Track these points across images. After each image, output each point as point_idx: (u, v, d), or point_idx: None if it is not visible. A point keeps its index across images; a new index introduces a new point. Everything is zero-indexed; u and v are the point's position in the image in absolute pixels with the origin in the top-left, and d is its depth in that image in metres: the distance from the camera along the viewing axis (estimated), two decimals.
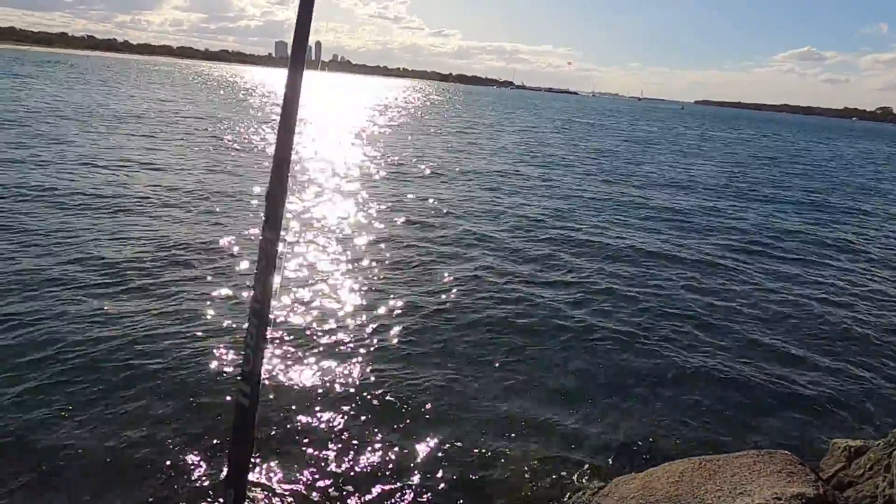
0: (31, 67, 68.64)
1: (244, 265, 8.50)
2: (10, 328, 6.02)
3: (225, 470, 3.80)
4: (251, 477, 3.91)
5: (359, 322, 6.94)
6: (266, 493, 4.12)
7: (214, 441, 4.62)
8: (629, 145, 36.15)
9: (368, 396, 5.45)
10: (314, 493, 4.22)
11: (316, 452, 4.63)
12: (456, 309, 7.64)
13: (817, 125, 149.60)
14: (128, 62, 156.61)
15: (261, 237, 1.29)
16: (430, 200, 14.12)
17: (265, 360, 1.20)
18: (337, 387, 5.54)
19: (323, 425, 4.98)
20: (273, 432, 4.72)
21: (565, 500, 4.39)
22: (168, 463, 4.37)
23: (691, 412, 5.77)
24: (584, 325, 7.50)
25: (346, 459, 4.59)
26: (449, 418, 5.27)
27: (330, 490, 4.27)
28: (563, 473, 4.67)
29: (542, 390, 5.91)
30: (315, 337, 6.48)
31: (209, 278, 7.95)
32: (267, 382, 5.39)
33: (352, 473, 4.47)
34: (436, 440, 4.94)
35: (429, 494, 4.35)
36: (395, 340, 6.62)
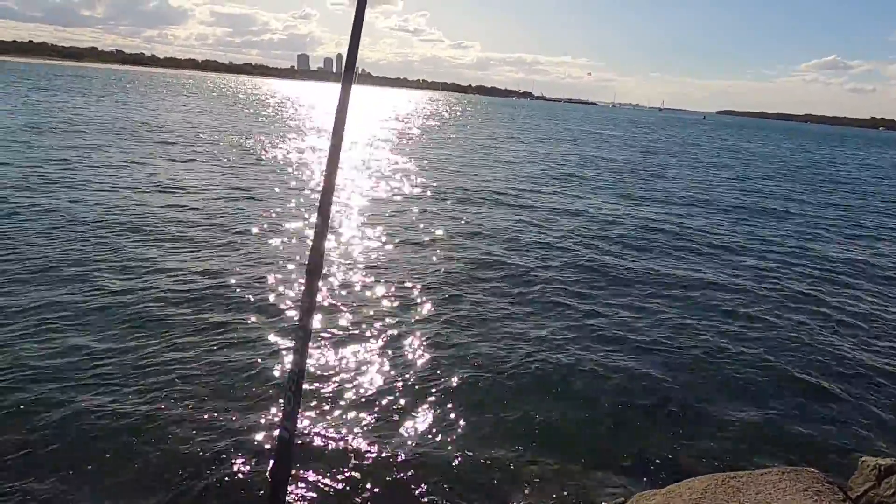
0: (62, 81, 70.72)
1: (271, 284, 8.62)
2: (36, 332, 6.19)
3: (263, 491, 4.16)
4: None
5: (376, 331, 6.99)
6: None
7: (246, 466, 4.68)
8: (651, 157, 35.88)
9: (387, 402, 5.47)
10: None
11: (346, 462, 4.66)
12: (475, 317, 7.64)
13: (843, 135, 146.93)
14: (154, 75, 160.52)
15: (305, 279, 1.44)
16: (445, 218, 14.16)
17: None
18: (364, 391, 5.58)
19: (354, 431, 5.01)
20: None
21: None
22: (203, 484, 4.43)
23: (714, 427, 5.67)
24: (607, 338, 7.43)
25: (362, 467, 4.61)
26: (467, 427, 5.26)
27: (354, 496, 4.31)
28: (585, 488, 4.62)
29: (565, 401, 5.86)
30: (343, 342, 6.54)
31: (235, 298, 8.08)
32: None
33: (367, 484, 4.48)
34: (452, 448, 4.93)
35: None
36: (415, 351, 6.64)
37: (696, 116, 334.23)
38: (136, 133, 24.75)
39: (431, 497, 4.40)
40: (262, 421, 5.08)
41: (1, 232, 9.48)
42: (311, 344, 1.59)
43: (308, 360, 1.68)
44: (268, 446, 4.74)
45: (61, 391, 5.25)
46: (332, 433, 5.02)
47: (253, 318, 7.12)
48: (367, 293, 8.22)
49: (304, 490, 4.35)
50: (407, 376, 6.06)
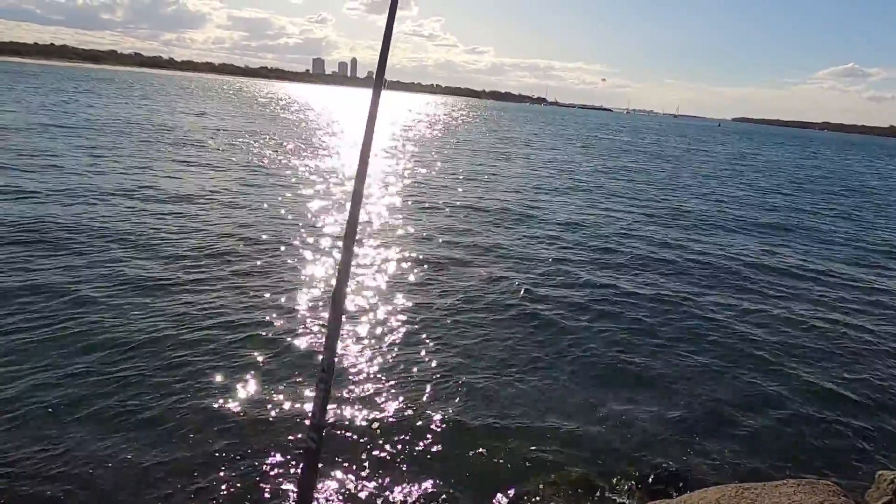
0: (82, 83, 71.84)
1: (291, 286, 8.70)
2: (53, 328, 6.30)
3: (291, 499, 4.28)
4: None
5: (389, 329, 7.02)
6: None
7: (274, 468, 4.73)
8: (664, 164, 35.68)
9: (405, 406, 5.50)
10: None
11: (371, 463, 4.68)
12: (492, 322, 7.65)
13: (863, 143, 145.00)
14: (172, 78, 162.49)
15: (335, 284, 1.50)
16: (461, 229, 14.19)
17: None
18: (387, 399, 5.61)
19: (379, 433, 5.04)
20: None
21: None
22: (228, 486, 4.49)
23: (728, 437, 5.63)
24: (622, 346, 7.41)
25: (389, 473, 4.63)
26: (483, 429, 5.27)
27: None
28: (598, 496, 4.61)
29: (580, 409, 5.85)
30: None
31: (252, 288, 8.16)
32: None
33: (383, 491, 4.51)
34: (467, 450, 4.94)
35: None
36: (433, 357, 6.66)
37: (711, 123, 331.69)
38: (148, 133, 25.09)
39: (435, 496, 4.41)
40: (288, 430, 5.11)
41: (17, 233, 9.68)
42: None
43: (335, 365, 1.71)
44: (295, 454, 4.79)
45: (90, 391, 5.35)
46: (359, 439, 5.04)
47: (278, 321, 7.18)
48: (386, 300, 8.27)
49: (332, 499, 4.38)
50: (429, 382, 6.08)
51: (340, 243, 8.35)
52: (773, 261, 12.42)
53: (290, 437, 4.98)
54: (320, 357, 1.53)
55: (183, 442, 4.84)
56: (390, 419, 5.37)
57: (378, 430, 5.17)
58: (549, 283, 9.63)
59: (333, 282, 1.46)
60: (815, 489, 3.68)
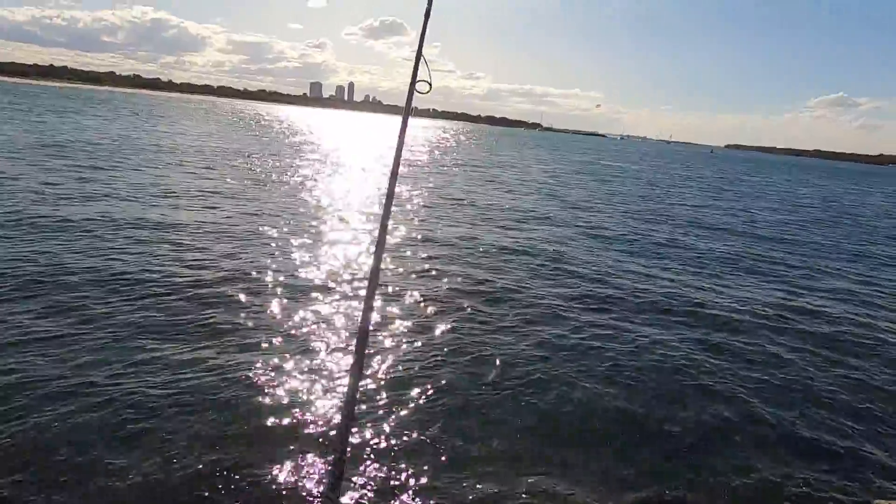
0: (78, 103, 72.06)
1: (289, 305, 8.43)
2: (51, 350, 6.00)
3: None
4: None
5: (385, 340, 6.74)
6: None
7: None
8: (656, 190, 35.77)
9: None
10: None
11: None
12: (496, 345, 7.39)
13: (854, 171, 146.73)
14: (169, 100, 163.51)
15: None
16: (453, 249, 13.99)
17: None
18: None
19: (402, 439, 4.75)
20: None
21: None
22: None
23: (722, 468, 5.33)
24: (614, 370, 7.15)
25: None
26: (497, 454, 4.98)
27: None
28: None
29: (581, 437, 5.57)
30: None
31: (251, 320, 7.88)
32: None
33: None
34: (489, 478, 4.65)
35: None
36: (430, 372, 6.38)
37: (703, 150, 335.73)
38: (139, 153, 24.97)
39: None
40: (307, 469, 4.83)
41: (10, 246, 9.42)
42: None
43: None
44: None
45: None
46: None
47: (296, 353, 6.90)
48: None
49: None
50: (440, 403, 5.79)
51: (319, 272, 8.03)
52: (773, 283, 12.25)
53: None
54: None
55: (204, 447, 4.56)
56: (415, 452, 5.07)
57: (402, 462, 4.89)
58: (533, 315, 9.39)
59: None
60: None
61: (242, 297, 8.31)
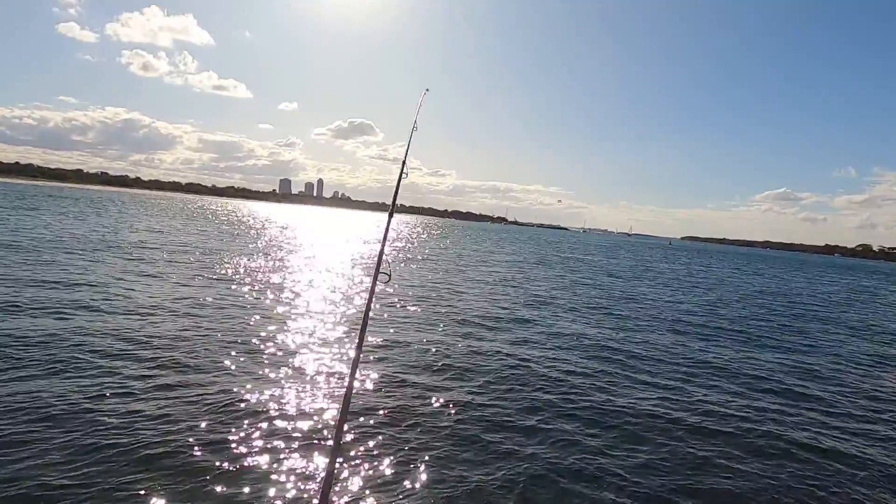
0: (41, 200, 70.87)
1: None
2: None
3: None
4: None
5: None
6: None
7: None
8: (622, 282, 36.16)
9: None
10: None
11: None
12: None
13: (801, 261, 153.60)
14: (136, 196, 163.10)
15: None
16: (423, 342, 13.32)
17: None
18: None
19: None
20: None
21: None
22: None
23: None
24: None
25: None
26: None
27: None
28: None
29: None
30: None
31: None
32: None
33: None
34: None
35: None
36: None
37: (662, 241, 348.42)
38: (96, 250, 23.99)
39: None
40: None
41: None
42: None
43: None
44: None
45: None
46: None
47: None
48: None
49: None
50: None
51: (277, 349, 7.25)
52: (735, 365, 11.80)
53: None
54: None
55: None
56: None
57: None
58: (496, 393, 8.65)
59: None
60: None
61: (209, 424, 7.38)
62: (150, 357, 9.61)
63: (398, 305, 17.35)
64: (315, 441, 6.75)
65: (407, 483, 5.89)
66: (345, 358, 10.29)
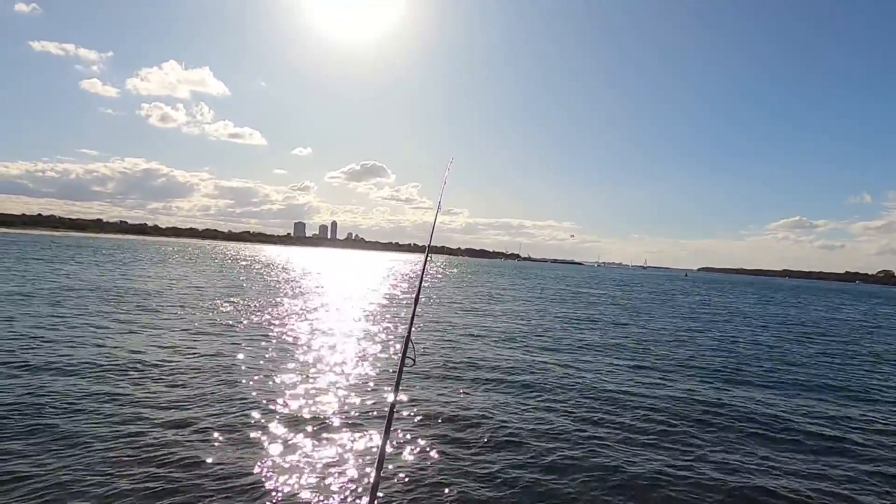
0: (63, 251, 72.55)
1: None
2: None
3: None
4: None
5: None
6: None
7: None
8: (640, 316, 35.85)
9: None
10: None
11: None
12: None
13: (823, 289, 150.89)
14: (155, 244, 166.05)
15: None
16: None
17: None
18: None
19: None
20: None
21: None
22: None
23: None
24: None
25: None
26: None
27: None
28: None
29: None
30: None
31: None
32: None
33: None
34: None
35: None
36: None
37: (678, 273, 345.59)
38: (115, 297, 24.49)
39: None
40: None
41: None
42: None
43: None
44: None
45: None
46: None
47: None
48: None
49: None
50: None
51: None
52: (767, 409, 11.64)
53: None
54: None
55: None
56: None
57: None
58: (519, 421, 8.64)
59: None
60: None
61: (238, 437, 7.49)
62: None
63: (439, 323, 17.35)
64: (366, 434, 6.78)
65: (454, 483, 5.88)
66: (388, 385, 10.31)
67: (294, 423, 8.97)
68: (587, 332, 23.59)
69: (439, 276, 70.82)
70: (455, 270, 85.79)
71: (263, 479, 6.89)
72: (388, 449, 7.72)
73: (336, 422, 9.01)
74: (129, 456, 7.35)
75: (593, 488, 7.34)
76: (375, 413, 9.27)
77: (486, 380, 13.12)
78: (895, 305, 72.24)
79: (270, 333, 18.11)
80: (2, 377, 10.73)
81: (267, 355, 14.48)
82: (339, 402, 10.13)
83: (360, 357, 14.75)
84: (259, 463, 7.39)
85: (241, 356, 14.16)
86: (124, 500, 6.18)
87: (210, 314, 21.98)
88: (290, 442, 8.17)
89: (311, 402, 10.10)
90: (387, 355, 15.14)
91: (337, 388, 11.11)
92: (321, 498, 6.46)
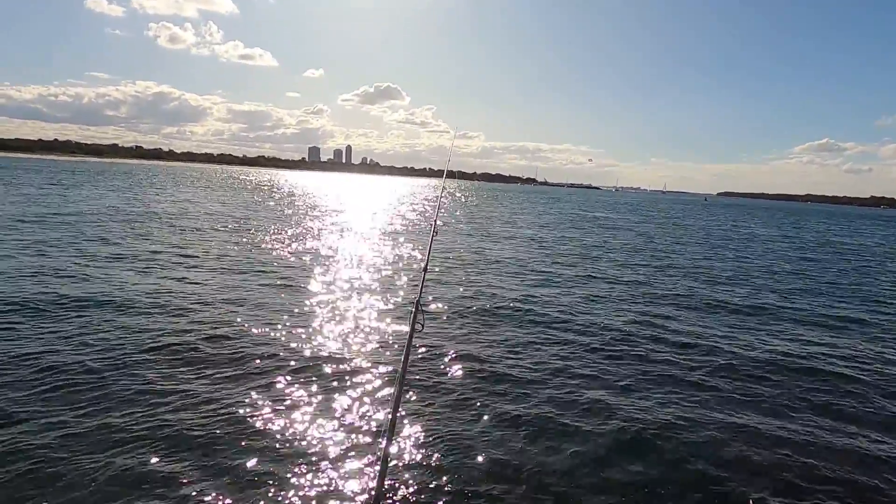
0: (82, 176, 72.71)
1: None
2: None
3: None
4: None
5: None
6: None
7: None
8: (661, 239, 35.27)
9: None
10: None
11: None
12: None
13: (849, 214, 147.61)
14: (171, 169, 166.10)
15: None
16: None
17: None
18: None
19: None
20: None
21: None
22: None
23: None
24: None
25: None
26: None
27: None
28: None
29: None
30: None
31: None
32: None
33: None
34: None
35: None
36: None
37: (698, 198, 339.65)
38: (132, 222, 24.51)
39: None
40: None
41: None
42: None
43: None
44: None
45: None
46: None
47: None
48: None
49: None
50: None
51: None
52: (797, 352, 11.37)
53: None
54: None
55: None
56: None
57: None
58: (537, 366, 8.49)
59: None
60: None
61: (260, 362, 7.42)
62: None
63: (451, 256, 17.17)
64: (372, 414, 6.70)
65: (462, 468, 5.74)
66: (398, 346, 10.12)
67: (301, 375, 8.05)
68: (591, 264, 23.27)
69: (456, 210, 70.15)
70: (473, 199, 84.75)
71: (265, 446, 6.03)
72: (400, 411, 7.60)
73: (346, 382, 8.41)
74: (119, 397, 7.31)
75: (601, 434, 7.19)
76: (388, 372, 8.76)
77: (506, 320, 12.92)
78: None
79: (283, 273, 18.06)
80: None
81: (275, 302, 14.41)
82: (348, 360, 9.40)
83: (372, 304, 14.59)
84: (260, 430, 6.42)
85: (253, 294, 14.11)
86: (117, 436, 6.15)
87: (243, 247, 21.93)
88: (297, 395, 7.46)
89: (318, 353, 9.54)
90: (399, 297, 14.95)
91: (347, 340, 10.46)
92: (330, 464, 6.16)
